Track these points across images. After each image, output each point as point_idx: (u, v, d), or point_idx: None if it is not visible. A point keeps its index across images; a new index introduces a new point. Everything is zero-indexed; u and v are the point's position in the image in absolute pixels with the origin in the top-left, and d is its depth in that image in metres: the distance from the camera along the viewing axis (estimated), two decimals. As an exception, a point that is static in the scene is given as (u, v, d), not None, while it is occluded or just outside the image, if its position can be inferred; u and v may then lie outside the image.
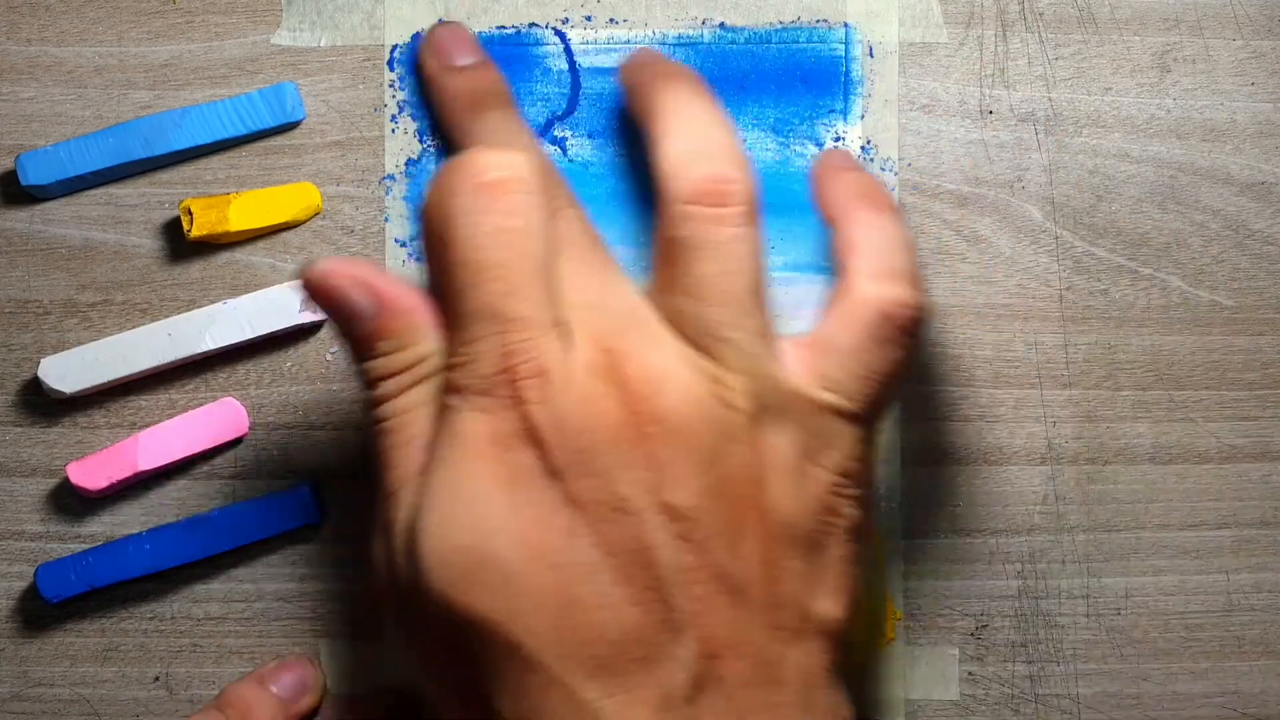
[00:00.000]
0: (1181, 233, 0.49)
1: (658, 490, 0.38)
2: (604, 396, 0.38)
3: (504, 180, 0.39)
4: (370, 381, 0.40)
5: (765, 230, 0.41)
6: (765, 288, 0.41)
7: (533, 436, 0.38)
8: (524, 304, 0.38)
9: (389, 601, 0.40)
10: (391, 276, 0.41)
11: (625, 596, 0.37)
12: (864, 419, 0.41)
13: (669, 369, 0.39)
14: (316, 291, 0.41)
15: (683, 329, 0.40)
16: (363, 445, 0.48)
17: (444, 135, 0.46)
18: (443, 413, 0.39)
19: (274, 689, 0.47)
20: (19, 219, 0.48)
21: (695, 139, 0.41)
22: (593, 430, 0.38)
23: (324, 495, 0.48)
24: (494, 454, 0.38)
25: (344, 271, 0.40)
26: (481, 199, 0.39)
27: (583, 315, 0.39)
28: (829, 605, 0.40)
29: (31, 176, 0.47)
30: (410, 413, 0.40)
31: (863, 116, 0.48)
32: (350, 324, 0.41)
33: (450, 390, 0.39)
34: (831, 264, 0.43)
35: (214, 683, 0.48)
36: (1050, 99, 0.49)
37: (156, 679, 0.48)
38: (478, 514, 0.37)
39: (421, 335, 0.40)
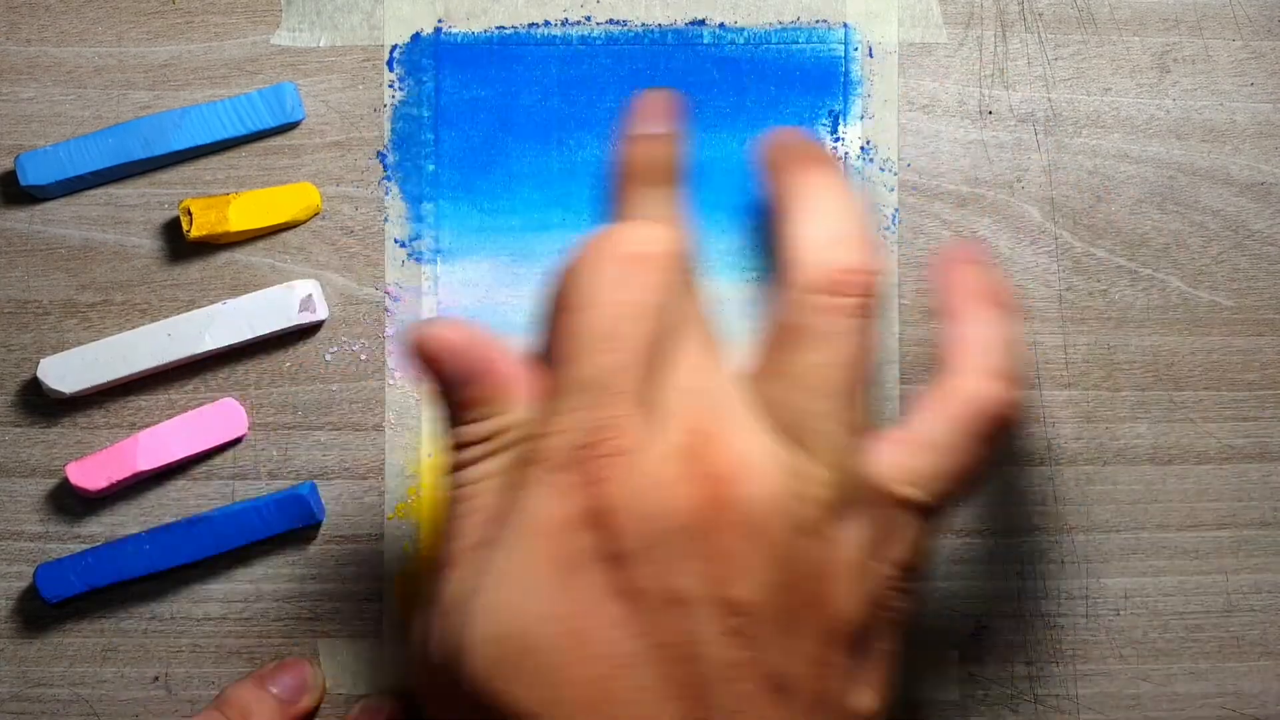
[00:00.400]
0: (1181, 233, 0.49)
1: (720, 583, 0.37)
2: (681, 481, 0.37)
3: (647, 255, 0.39)
4: (455, 447, 0.40)
5: (876, 326, 0.40)
6: (868, 383, 0.40)
7: (599, 519, 0.37)
8: (629, 380, 0.38)
9: (424, 674, 0.39)
10: (493, 341, 0.40)
11: (665, 693, 0.36)
12: (935, 512, 0.40)
13: (753, 458, 0.38)
14: (417, 355, 0.40)
15: (778, 417, 0.39)
16: (361, 445, 0.48)
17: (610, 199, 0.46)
18: (516, 485, 0.38)
19: (274, 689, 0.47)
20: (19, 219, 0.48)
21: (833, 226, 0.40)
22: (663, 516, 0.37)
23: (324, 495, 0.48)
24: (556, 535, 0.37)
25: (444, 337, 0.40)
26: (618, 270, 0.38)
27: (679, 398, 0.38)
28: (868, 700, 0.39)
29: (31, 176, 0.47)
30: (483, 482, 0.39)
31: (862, 117, 0.48)
32: (446, 390, 0.40)
33: (530, 461, 0.38)
34: (939, 356, 0.42)
35: (214, 683, 0.48)
36: (1050, 99, 0.49)
37: (156, 679, 0.48)
38: (527, 600, 0.37)
39: (511, 404, 0.39)
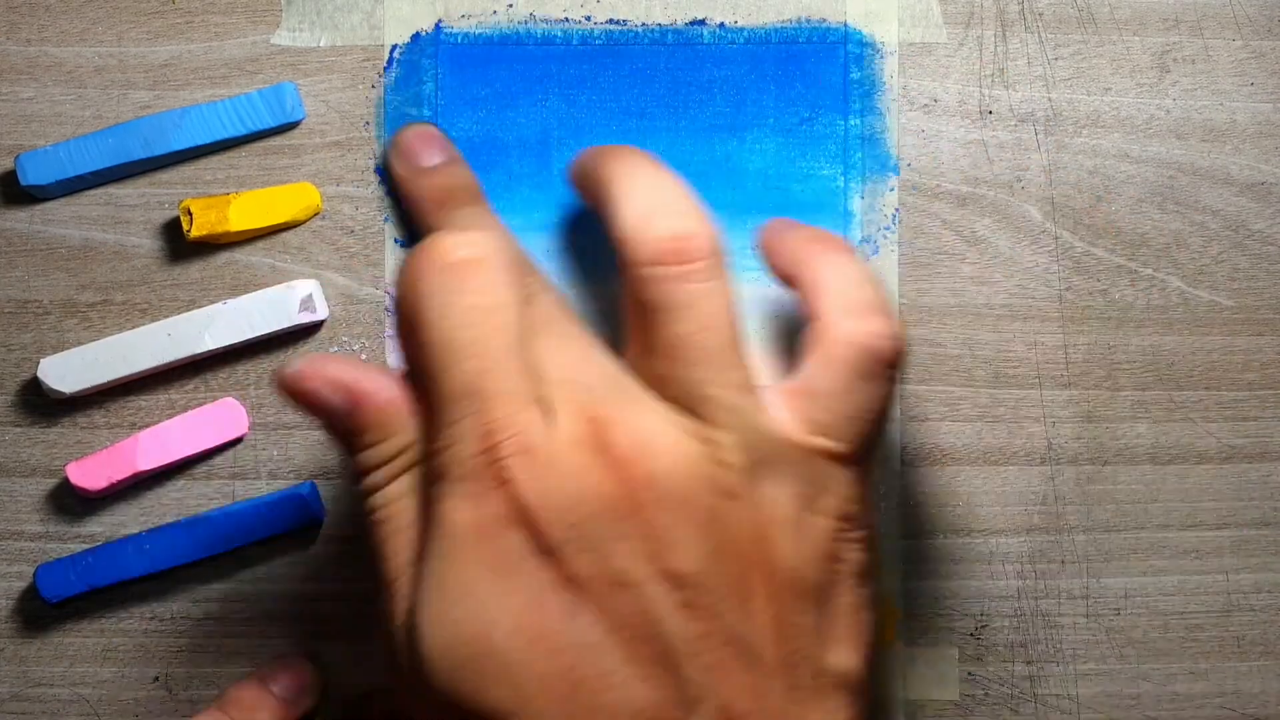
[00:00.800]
0: (1181, 233, 0.49)
1: (658, 558, 0.37)
2: (592, 468, 0.37)
3: (472, 258, 0.39)
4: (358, 475, 0.40)
5: (735, 280, 0.40)
6: (742, 339, 0.40)
7: (521, 517, 0.37)
8: (502, 380, 0.38)
9: (401, 691, 0.39)
10: (367, 367, 0.40)
11: (635, 673, 0.36)
12: (857, 459, 0.40)
13: (656, 432, 0.38)
14: (292, 396, 0.40)
15: (665, 392, 0.39)
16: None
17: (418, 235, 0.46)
18: (431, 501, 0.38)
19: (275, 689, 0.47)
20: (19, 219, 0.48)
21: (649, 198, 0.41)
22: (583, 503, 0.37)
23: (324, 495, 0.48)
24: (481, 541, 0.37)
25: (315, 372, 0.40)
26: (451, 279, 0.39)
27: (563, 389, 0.39)
28: (844, 657, 0.39)
29: (31, 176, 0.47)
30: (399, 502, 0.39)
31: (862, 116, 0.48)
32: (330, 423, 0.40)
33: (434, 477, 0.38)
34: (801, 312, 0.42)
35: (214, 683, 0.48)
36: (1050, 99, 0.49)
37: (156, 679, 0.48)
38: (472, 605, 0.37)
39: (401, 425, 0.40)
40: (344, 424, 0.40)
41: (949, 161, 0.49)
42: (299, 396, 0.40)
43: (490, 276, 0.39)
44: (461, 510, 0.37)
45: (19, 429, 0.48)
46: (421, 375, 0.39)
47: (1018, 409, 0.48)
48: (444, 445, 0.38)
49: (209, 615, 0.48)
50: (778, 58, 0.49)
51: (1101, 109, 0.49)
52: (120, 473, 0.47)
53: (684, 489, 0.38)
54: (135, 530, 0.48)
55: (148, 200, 0.48)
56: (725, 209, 0.48)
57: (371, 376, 0.40)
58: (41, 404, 0.48)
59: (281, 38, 0.48)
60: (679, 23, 0.48)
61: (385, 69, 0.48)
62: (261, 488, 0.48)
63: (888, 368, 0.40)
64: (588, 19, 0.49)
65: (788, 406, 0.40)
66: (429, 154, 0.46)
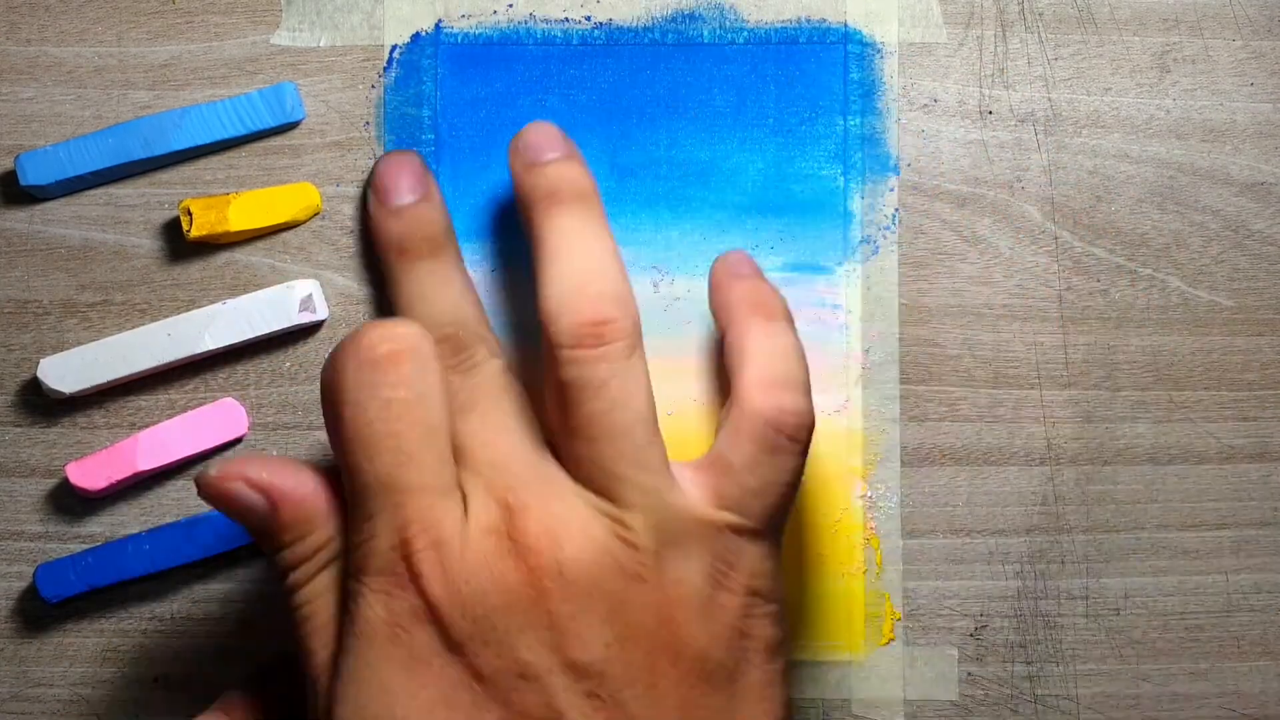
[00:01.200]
0: (1181, 233, 0.49)
1: (561, 649, 0.37)
2: (501, 557, 0.38)
3: (393, 353, 0.39)
4: (280, 573, 0.41)
5: (646, 361, 0.41)
6: (654, 418, 0.40)
7: (430, 613, 0.37)
8: (417, 472, 0.38)
9: None
10: (286, 465, 0.40)
11: None
12: (765, 533, 0.41)
13: (567, 519, 0.38)
14: (210, 497, 0.41)
15: (579, 472, 0.40)
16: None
17: (380, 276, 0.46)
18: (345, 597, 0.39)
19: (272, 691, 0.47)
20: (19, 219, 0.48)
21: (573, 275, 0.41)
22: (489, 596, 0.37)
23: (324, 495, 0.48)
24: (392, 637, 0.38)
25: (235, 473, 0.40)
26: (370, 374, 0.39)
27: (484, 475, 0.39)
28: None
29: (31, 176, 0.47)
30: (321, 599, 0.40)
31: (862, 116, 0.48)
32: (250, 523, 0.41)
33: (352, 573, 0.39)
34: (727, 371, 0.43)
35: (214, 683, 0.48)
36: (1050, 99, 0.49)
37: (156, 679, 0.48)
38: (385, 702, 0.37)
39: (320, 521, 0.40)
40: (264, 524, 0.40)
41: (949, 161, 0.49)
42: (219, 498, 0.40)
43: (410, 369, 0.39)
44: (374, 607, 0.38)
45: (19, 429, 0.48)
46: (341, 469, 0.39)
47: (1017, 409, 0.48)
48: (360, 540, 0.39)
49: (209, 615, 0.48)
50: (778, 58, 0.49)
51: (1101, 109, 0.49)
52: (120, 473, 0.47)
53: (590, 576, 0.38)
54: (135, 530, 0.48)
55: (148, 200, 0.48)
56: (725, 209, 0.48)
57: (289, 474, 0.40)
58: (41, 404, 0.48)
59: (281, 38, 0.48)
60: (674, 10, 0.48)
61: (385, 69, 0.48)
62: (261, 488, 0.48)
63: (792, 442, 0.41)
64: (588, 19, 0.49)
65: (697, 482, 0.40)
66: (400, 192, 0.45)
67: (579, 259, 0.41)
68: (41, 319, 0.48)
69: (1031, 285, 0.48)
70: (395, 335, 0.39)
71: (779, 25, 0.49)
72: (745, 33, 0.49)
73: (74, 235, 0.48)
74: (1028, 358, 0.48)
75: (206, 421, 0.48)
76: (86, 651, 0.48)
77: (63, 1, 0.49)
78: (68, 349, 0.48)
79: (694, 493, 0.40)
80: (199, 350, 0.47)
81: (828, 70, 0.49)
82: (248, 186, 0.48)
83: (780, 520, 0.41)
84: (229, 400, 0.48)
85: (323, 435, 0.48)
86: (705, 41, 0.49)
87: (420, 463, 0.38)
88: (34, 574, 0.48)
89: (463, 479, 0.39)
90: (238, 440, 0.48)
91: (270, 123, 0.48)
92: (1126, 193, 0.49)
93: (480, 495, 0.39)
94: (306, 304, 0.48)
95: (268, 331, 0.48)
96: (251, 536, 0.41)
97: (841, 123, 0.49)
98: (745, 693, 0.40)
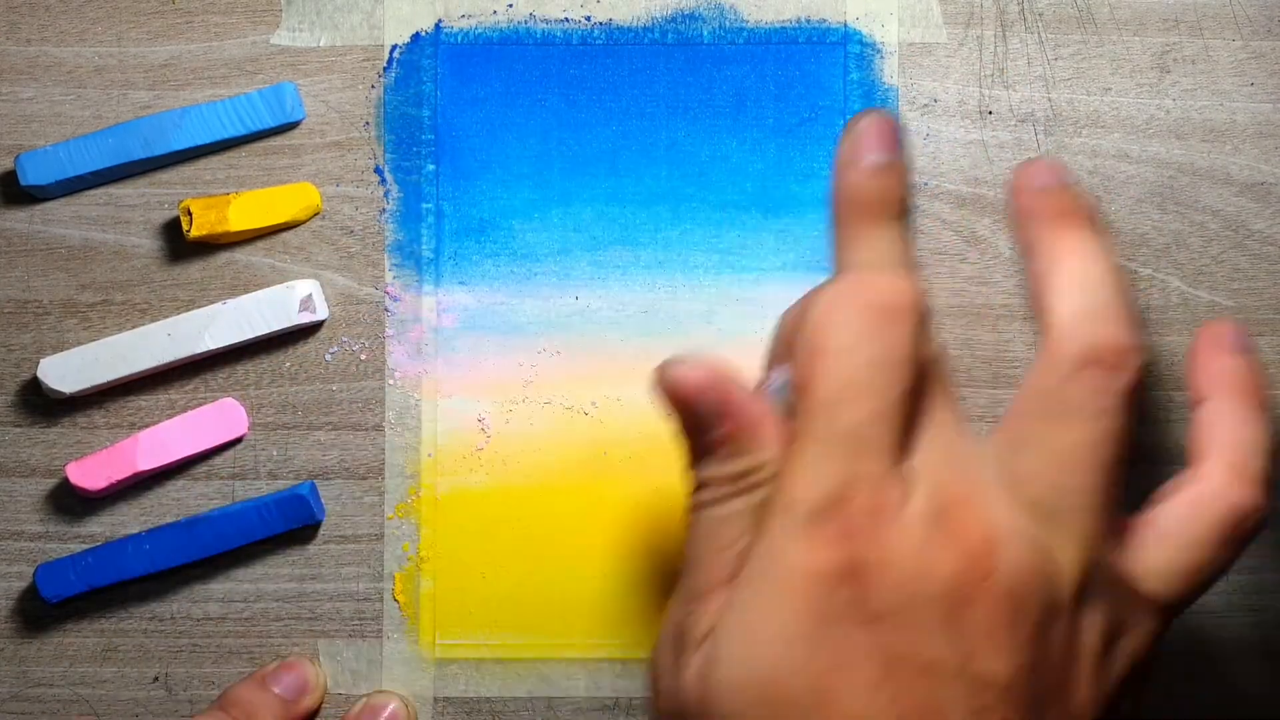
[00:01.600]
0: (1181, 233, 0.49)
1: (973, 658, 0.36)
2: (938, 548, 0.36)
3: (898, 307, 0.37)
4: (698, 484, 0.39)
5: (1137, 405, 0.39)
6: (1123, 464, 0.39)
7: (857, 574, 0.36)
8: (880, 437, 0.37)
9: (662, 705, 0.38)
10: (737, 380, 0.39)
11: None
12: (1169, 612, 0.39)
13: (1008, 530, 0.37)
14: (667, 394, 0.39)
15: (1025, 490, 0.38)
16: (361, 445, 0.48)
17: (830, 226, 0.43)
18: (764, 529, 0.37)
19: (276, 689, 0.47)
20: (19, 219, 0.48)
21: (1094, 297, 0.39)
22: (921, 580, 0.36)
23: (324, 495, 0.48)
24: (810, 588, 0.36)
25: (694, 378, 0.39)
26: (871, 321, 0.37)
27: (929, 459, 0.38)
28: None
29: (31, 176, 0.47)
30: (731, 521, 0.38)
31: (862, 116, 0.48)
32: (694, 431, 0.39)
33: (779, 509, 0.37)
34: (1188, 443, 0.41)
35: (214, 683, 0.48)
36: (1050, 99, 0.49)
37: (156, 679, 0.48)
38: (779, 649, 0.36)
39: (759, 446, 0.38)
40: (705, 434, 0.39)
41: (949, 161, 0.48)
42: (675, 396, 0.39)
43: (907, 331, 0.37)
44: (799, 550, 0.36)
45: (19, 429, 0.48)
46: (806, 402, 0.38)
47: (1018, 409, 0.48)
48: (800, 481, 0.37)
49: (209, 615, 0.48)
50: (778, 58, 0.49)
51: (1101, 109, 0.49)
52: (120, 473, 0.47)
53: (1021, 593, 0.36)
54: (135, 530, 0.48)
55: (148, 200, 0.48)
56: (725, 209, 0.48)
57: (744, 393, 0.39)
58: (41, 404, 0.48)
59: (281, 38, 0.48)
60: (674, 10, 0.48)
61: (385, 69, 0.48)
62: (261, 488, 0.48)
63: (1245, 540, 0.40)
64: (588, 19, 0.49)
65: (1133, 540, 0.39)
66: (874, 149, 0.42)
67: (1105, 280, 0.39)
68: (41, 319, 0.48)
69: (1031, 285, 0.48)
70: (904, 291, 0.38)
71: (779, 25, 0.49)
72: (745, 33, 0.49)
73: (74, 235, 0.48)
74: (1028, 358, 0.48)
75: (206, 421, 0.48)
76: (86, 651, 0.48)
77: (63, 1, 0.49)
78: (68, 349, 0.48)
79: (1131, 551, 0.39)
80: (199, 350, 0.47)
81: (828, 70, 0.49)
82: (248, 186, 0.48)
83: (1187, 606, 0.40)
84: (229, 400, 0.48)
85: (323, 435, 0.48)
86: (705, 41, 0.48)
87: (890, 424, 0.37)
88: (34, 574, 0.48)
89: (910, 461, 0.38)
90: (238, 440, 0.48)
91: (270, 123, 0.48)
92: (1126, 193, 0.49)
93: (924, 477, 0.37)
94: (306, 304, 0.48)
95: (268, 331, 0.48)
96: (679, 432, 0.39)
97: (841, 123, 0.49)
98: None
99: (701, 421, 0.39)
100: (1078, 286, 0.39)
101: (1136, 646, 0.39)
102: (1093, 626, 0.38)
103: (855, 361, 0.37)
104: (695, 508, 0.39)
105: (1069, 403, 0.38)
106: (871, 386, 0.37)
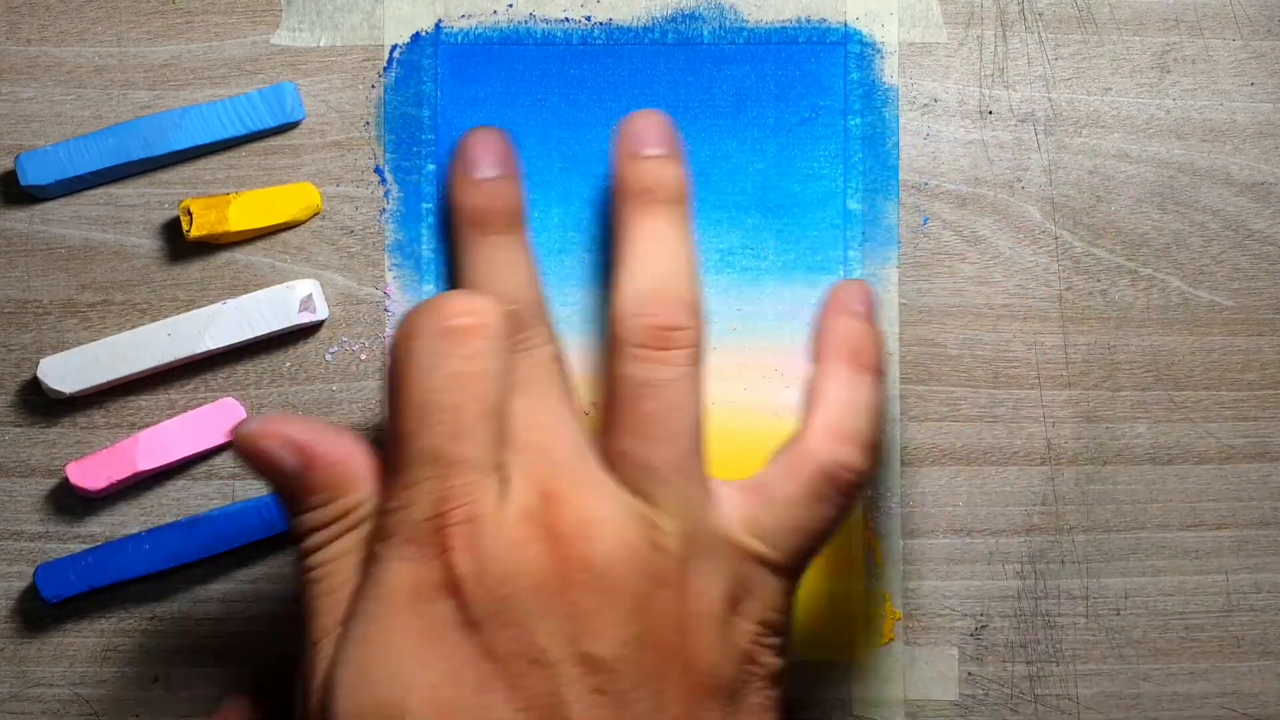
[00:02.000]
0: (1181, 233, 0.49)
1: (578, 641, 0.37)
2: (533, 542, 0.38)
3: (469, 326, 0.39)
4: (299, 535, 0.40)
5: (705, 373, 0.42)
6: (702, 432, 0.41)
7: (454, 587, 0.38)
8: (468, 448, 0.38)
9: None
10: (322, 427, 0.41)
11: None
12: (788, 570, 0.41)
13: (603, 514, 0.39)
14: (245, 452, 0.41)
15: (622, 470, 0.40)
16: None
17: (449, 245, 0.46)
18: (369, 560, 0.39)
19: (268, 700, 0.47)
20: (19, 219, 0.48)
21: (651, 279, 0.42)
22: (516, 578, 0.37)
23: (324, 495, 0.48)
24: (413, 605, 0.38)
25: (272, 431, 0.40)
26: (443, 343, 0.39)
27: (527, 458, 0.40)
28: None
29: (31, 176, 0.47)
30: (337, 561, 0.40)
31: (862, 116, 0.48)
32: (279, 482, 0.41)
33: (380, 536, 0.39)
34: (799, 408, 0.43)
35: (214, 683, 0.48)
36: (1050, 99, 0.49)
37: (156, 679, 0.48)
38: (392, 669, 0.37)
39: (351, 485, 0.40)
40: (293, 485, 0.40)
41: (949, 161, 0.49)
42: (253, 453, 0.40)
43: (482, 344, 0.39)
44: (400, 572, 0.38)
45: (19, 429, 0.48)
46: (392, 432, 0.39)
47: (1017, 409, 0.48)
48: (398, 506, 0.39)
49: (209, 615, 0.48)
50: (778, 58, 0.49)
51: (1101, 109, 0.49)
52: (120, 473, 0.47)
53: (618, 573, 0.38)
54: (135, 530, 0.48)
55: (148, 200, 0.48)
56: (725, 209, 0.48)
57: (327, 438, 0.40)
58: (41, 404, 0.48)
59: (281, 38, 0.48)
60: (674, 10, 0.48)
61: (385, 69, 0.48)
62: (261, 488, 0.48)
63: (842, 497, 0.41)
64: (588, 19, 0.49)
65: (735, 502, 0.41)
66: (485, 165, 0.45)
67: (660, 261, 0.42)
68: (41, 319, 0.48)
69: (1031, 285, 0.48)
70: (475, 309, 0.40)
71: (779, 25, 0.49)
72: (745, 33, 0.49)
73: (74, 235, 0.48)
74: (1028, 358, 0.48)
75: (206, 421, 0.48)
76: (86, 651, 0.48)
77: (63, 1, 0.49)
78: (68, 349, 0.48)
79: (729, 512, 0.41)
80: (199, 350, 0.47)
81: (828, 70, 0.49)
82: (248, 186, 0.48)
83: (806, 563, 0.42)
84: (229, 400, 0.48)
85: (323, 435, 0.48)
86: (705, 41, 0.49)
87: (473, 439, 0.38)
88: (34, 574, 0.48)
89: (505, 459, 0.39)
90: (238, 440, 0.48)
91: (270, 123, 0.48)
92: (1126, 193, 0.49)
93: (521, 478, 0.39)
94: (306, 304, 0.48)
95: (268, 331, 0.48)
96: (276, 495, 0.41)
97: (841, 123, 0.49)
98: (742, 714, 0.40)
99: (287, 474, 0.40)
100: (637, 272, 0.42)
101: (763, 607, 0.40)
102: (709, 591, 0.39)
103: (428, 387, 0.39)
104: (302, 557, 0.40)
105: (633, 382, 0.40)
106: (447, 407, 0.39)
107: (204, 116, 0.48)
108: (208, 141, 0.48)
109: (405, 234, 0.48)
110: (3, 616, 0.48)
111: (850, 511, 0.42)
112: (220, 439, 0.48)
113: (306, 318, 0.48)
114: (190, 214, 0.47)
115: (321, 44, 0.48)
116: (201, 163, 0.48)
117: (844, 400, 0.42)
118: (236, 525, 0.47)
